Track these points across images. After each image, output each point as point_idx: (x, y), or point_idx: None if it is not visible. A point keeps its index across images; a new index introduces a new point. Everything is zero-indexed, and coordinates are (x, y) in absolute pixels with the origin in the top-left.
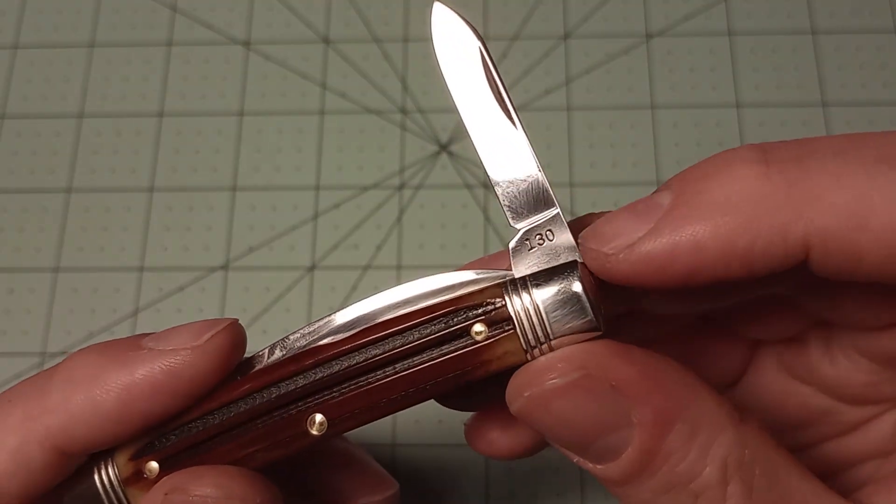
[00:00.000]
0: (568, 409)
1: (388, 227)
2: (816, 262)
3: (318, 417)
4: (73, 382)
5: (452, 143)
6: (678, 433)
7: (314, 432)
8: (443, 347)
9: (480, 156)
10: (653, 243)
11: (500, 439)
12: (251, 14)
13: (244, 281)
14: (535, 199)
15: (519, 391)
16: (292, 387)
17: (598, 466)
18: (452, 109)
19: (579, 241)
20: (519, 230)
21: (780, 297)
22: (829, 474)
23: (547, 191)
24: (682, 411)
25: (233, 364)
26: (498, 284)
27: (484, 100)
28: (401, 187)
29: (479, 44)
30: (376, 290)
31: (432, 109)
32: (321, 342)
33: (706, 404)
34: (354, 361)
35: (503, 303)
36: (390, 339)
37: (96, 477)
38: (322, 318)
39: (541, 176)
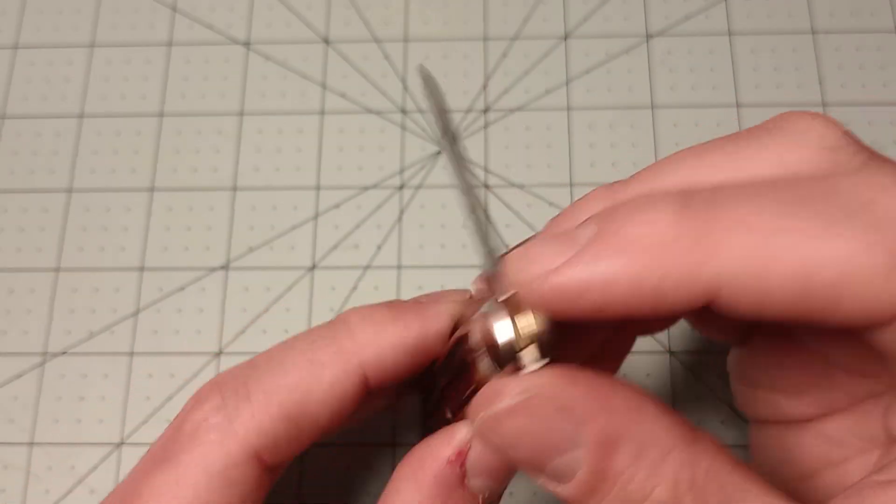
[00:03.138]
0: (517, 430)
1: (388, 227)
2: (727, 303)
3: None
4: (376, 324)
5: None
6: (624, 453)
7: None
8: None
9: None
10: (565, 276)
11: None
12: (251, 14)
13: (244, 281)
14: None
15: (474, 413)
16: None
17: (558, 487)
18: (452, 110)
19: (503, 261)
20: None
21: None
22: None
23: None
24: (627, 430)
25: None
26: (478, 320)
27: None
28: (401, 187)
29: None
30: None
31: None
32: None
33: (654, 423)
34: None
35: (482, 335)
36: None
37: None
38: None
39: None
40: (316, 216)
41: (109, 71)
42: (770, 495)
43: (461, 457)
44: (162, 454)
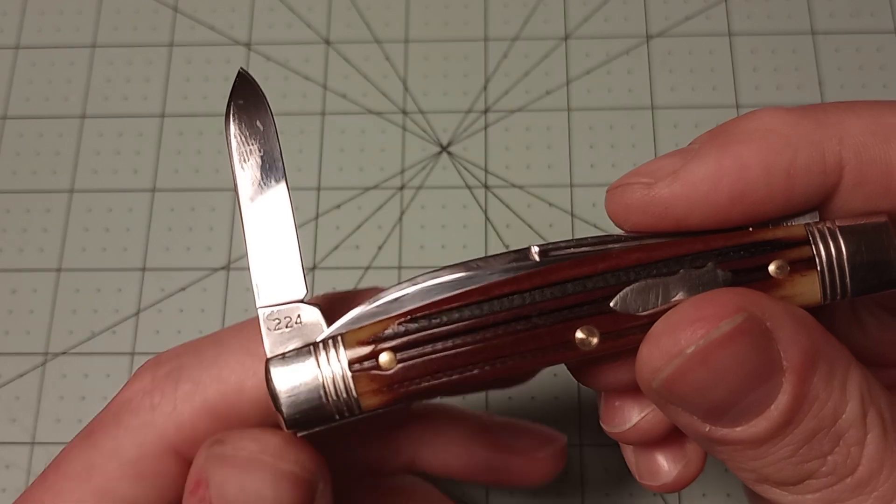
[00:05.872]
0: (729, 361)
1: (388, 227)
2: (851, 181)
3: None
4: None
5: (453, 143)
6: (820, 374)
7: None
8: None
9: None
10: (697, 166)
11: (670, 471)
12: (252, 15)
13: (246, 281)
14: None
15: (672, 351)
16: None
17: (737, 429)
18: (453, 110)
19: (612, 186)
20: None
21: None
22: None
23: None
24: (822, 349)
25: None
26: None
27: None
28: (402, 188)
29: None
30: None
31: (433, 110)
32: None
33: (834, 341)
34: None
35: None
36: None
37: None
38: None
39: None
40: (317, 217)
41: (111, 72)
42: None
43: (199, 490)
44: (88, 430)
